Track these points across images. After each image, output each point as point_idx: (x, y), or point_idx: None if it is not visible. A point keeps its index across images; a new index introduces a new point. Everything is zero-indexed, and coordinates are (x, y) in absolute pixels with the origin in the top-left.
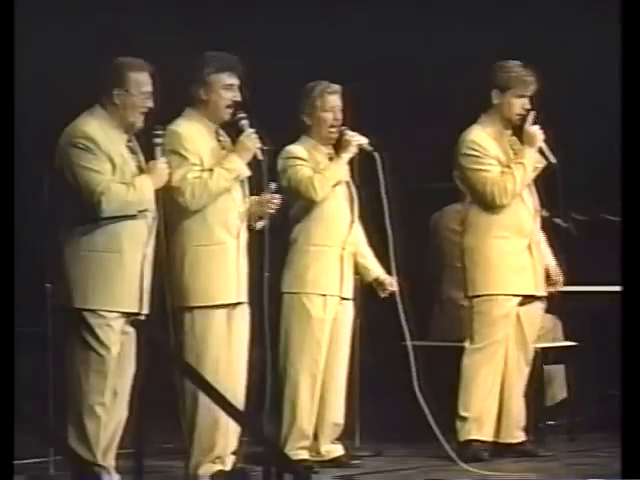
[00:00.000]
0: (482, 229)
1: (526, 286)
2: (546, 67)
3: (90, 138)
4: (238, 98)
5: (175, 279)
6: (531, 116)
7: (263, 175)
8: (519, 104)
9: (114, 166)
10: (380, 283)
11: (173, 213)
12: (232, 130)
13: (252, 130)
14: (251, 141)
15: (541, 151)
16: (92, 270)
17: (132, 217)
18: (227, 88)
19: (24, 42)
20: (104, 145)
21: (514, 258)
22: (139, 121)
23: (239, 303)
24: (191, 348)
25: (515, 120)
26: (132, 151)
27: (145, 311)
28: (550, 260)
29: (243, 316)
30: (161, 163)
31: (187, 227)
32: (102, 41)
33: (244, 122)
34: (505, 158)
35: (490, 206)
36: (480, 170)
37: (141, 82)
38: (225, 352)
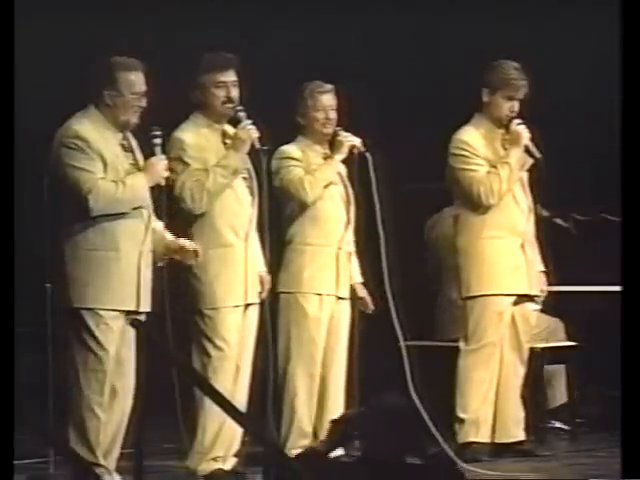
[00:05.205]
0: (475, 229)
1: (520, 285)
2: (546, 67)
3: (81, 137)
4: (233, 94)
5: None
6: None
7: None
8: (507, 106)
9: (106, 164)
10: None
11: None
12: None
13: (248, 121)
14: (246, 132)
15: (527, 150)
16: (90, 269)
17: (127, 215)
18: (219, 86)
19: (24, 42)
20: (95, 143)
21: (508, 257)
22: (133, 119)
23: (249, 305)
24: (198, 349)
25: (503, 120)
26: (126, 150)
27: (143, 309)
28: (538, 266)
29: (252, 318)
30: (158, 159)
31: (194, 231)
32: (104, 41)
33: (241, 114)
34: (495, 158)
35: (477, 206)
36: (467, 170)
37: (133, 82)
38: (232, 354)
